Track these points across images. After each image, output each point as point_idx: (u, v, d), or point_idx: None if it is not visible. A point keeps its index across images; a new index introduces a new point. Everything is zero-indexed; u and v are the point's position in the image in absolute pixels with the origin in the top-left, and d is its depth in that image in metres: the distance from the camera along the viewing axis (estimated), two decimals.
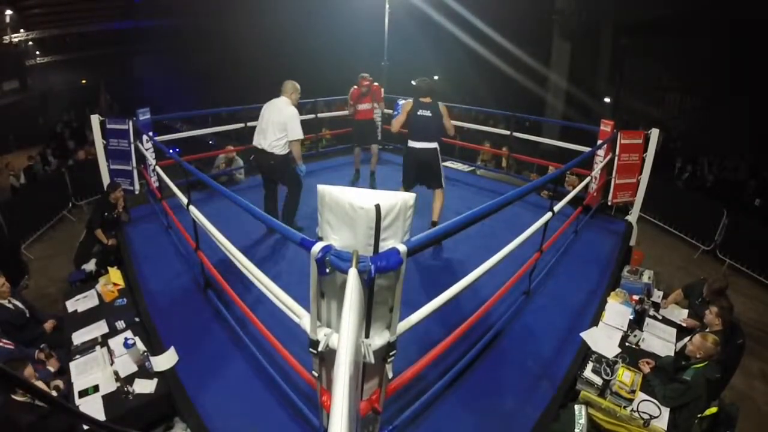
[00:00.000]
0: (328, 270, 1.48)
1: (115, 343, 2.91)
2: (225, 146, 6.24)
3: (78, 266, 4.39)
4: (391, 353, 1.66)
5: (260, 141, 3.84)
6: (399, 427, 2.20)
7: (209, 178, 3.08)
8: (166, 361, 2.70)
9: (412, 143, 3.93)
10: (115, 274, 3.68)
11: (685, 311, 3.56)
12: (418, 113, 3.86)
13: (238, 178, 5.77)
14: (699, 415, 2.64)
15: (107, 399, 2.52)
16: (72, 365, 2.79)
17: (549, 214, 3.03)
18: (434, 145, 3.91)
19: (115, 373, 2.63)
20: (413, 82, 3.97)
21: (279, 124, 3.73)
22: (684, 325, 3.40)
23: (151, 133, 4.76)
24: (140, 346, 2.84)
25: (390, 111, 6.21)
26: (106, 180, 4.67)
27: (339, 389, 0.89)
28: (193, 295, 3.40)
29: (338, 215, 1.59)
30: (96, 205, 4.75)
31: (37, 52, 16.47)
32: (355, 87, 5.30)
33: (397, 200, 1.60)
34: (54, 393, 2.60)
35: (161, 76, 17.61)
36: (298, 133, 3.76)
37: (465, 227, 1.81)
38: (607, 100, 12.22)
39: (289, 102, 3.80)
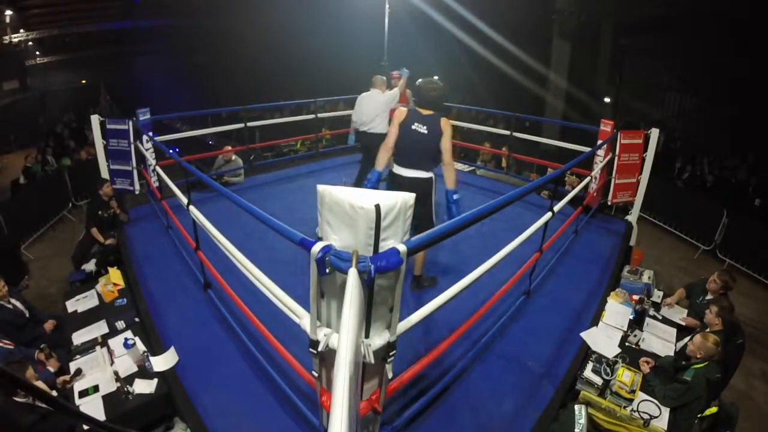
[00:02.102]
0: (328, 270, 1.48)
1: (115, 343, 2.92)
2: (224, 146, 6.23)
3: (76, 266, 4.39)
4: (391, 353, 1.66)
5: (361, 125, 4.66)
6: (399, 427, 2.20)
7: (209, 178, 3.08)
8: (166, 361, 2.70)
9: (398, 169, 3.05)
10: (115, 274, 3.68)
11: (685, 311, 3.56)
12: (412, 127, 2.91)
13: (237, 179, 5.77)
14: (699, 415, 2.64)
15: (107, 399, 2.53)
16: (72, 365, 2.79)
17: (549, 214, 3.03)
18: (428, 174, 3.02)
19: (115, 373, 2.62)
20: (418, 82, 3.02)
21: (375, 111, 4.54)
22: (684, 324, 3.40)
23: (151, 133, 4.76)
24: (140, 346, 2.84)
25: None
26: None
27: (339, 389, 0.89)
28: (193, 295, 3.40)
29: (338, 215, 1.59)
30: (89, 204, 4.74)
31: (37, 52, 16.42)
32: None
33: (397, 200, 1.59)
34: (59, 388, 2.61)
35: (161, 76, 17.58)
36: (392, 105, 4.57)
37: (465, 227, 1.81)
38: (607, 100, 12.20)
39: (381, 92, 4.64)
